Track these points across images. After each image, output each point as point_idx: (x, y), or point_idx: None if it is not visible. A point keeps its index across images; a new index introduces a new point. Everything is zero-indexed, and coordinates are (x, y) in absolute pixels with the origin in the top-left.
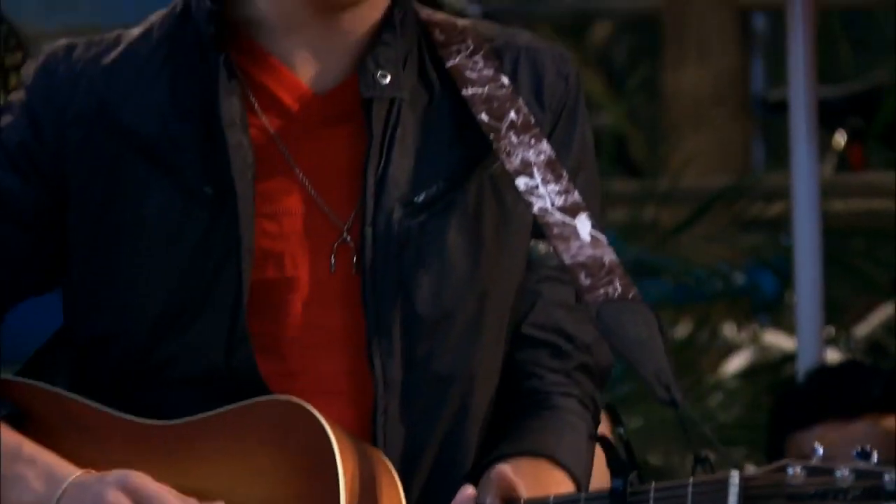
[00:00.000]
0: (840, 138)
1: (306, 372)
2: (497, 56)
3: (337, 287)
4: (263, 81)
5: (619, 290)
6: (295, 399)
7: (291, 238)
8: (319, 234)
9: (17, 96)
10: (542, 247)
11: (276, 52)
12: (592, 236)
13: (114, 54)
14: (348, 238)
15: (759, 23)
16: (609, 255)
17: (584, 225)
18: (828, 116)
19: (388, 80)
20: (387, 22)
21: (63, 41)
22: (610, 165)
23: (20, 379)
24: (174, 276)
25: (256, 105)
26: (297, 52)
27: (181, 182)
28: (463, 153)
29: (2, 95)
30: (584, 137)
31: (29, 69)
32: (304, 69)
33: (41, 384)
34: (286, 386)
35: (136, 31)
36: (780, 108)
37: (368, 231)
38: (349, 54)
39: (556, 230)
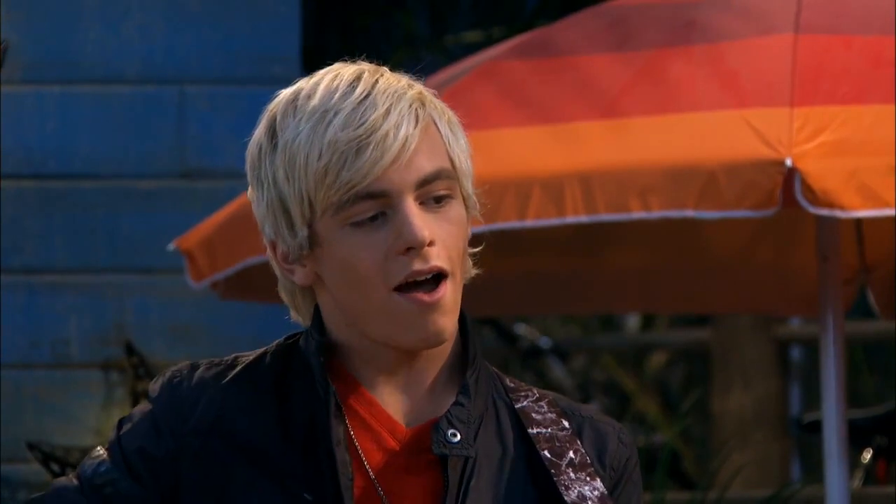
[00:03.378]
0: (867, 455)
1: None
2: (560, 410)
3: None
4: (359, 410)
5: None
6: None
7: None
8: None
9: (142, 407)
10: None
11: (367, 385)
12: None
13: (231, 375)
14: None
15: (796, 354)
16: None
17: None
18: (856, 436)
19: (457, 438)
20: (463, 383)
21: (187, 361)
22: (665, 478)
23: None
24: None
25: (352, 431)
26: (385, 387)
27: (285, 487)
28: (532, 493)
29: None
30: (640, 496)
31: (156, 384)
32: (392, 404)
33: None
34: None
35: (252, 357)
36: (814, 429)
37: None
38: (428, 392)
39: None
